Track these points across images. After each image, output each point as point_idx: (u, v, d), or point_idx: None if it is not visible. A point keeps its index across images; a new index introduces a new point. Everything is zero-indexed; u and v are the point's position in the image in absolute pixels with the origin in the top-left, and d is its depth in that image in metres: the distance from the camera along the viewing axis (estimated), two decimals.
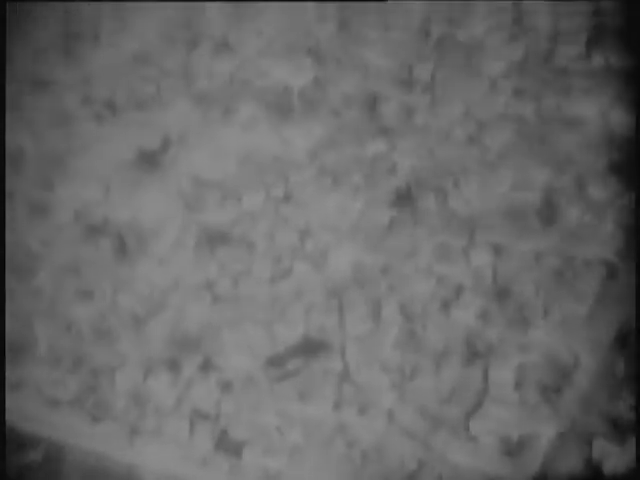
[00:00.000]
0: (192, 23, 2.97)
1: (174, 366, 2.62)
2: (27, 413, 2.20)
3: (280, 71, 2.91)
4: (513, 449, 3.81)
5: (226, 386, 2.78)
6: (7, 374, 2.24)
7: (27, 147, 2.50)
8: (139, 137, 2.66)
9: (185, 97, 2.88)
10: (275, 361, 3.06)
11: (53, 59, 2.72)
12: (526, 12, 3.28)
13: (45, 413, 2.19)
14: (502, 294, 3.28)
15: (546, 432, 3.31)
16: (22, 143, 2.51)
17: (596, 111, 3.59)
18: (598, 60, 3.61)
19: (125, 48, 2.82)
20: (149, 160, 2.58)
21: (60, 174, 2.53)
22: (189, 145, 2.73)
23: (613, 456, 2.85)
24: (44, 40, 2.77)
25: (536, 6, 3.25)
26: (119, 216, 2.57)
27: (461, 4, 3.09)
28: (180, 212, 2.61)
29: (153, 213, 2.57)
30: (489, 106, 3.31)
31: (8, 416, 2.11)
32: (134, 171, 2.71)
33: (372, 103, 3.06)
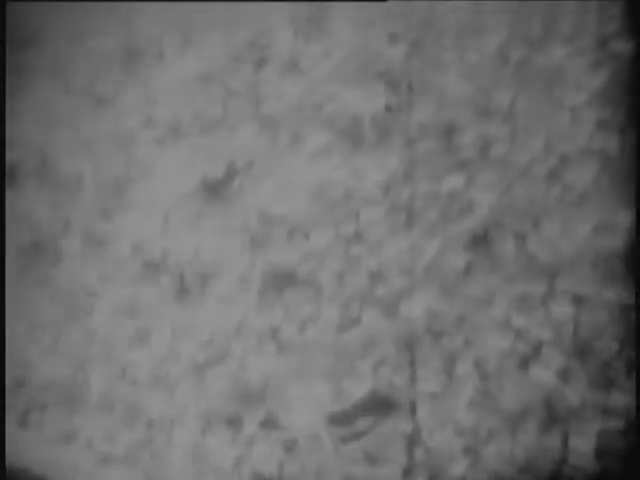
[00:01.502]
0: (259, 42, 2.91)
1: (235, 421, 2.40)
2: (78, 468, 1.96)
3: (350, 96, 2.69)
4: None
5: (289, 446, 2.55)
6: (58, 424, 2.10)
7: (85, 172, 2.39)
8: (203, 164, 2.44)
9: (252, 121, 2.57)
10: (341, 419, 2.82)
11: (114, 76, 2.46)
12: (610, 35, 3.01)
13: (96, 469, 1.96)
14: (584, 350, 3.03)
15: None
16: (80, 168, 2.38)
17: None
18: None
19: (190, 67, 2.60)
20: (213, 190, 2.35)
21: (119, 203, 2.41)
22: (255, 175, 2.51)
23: None
24: (104, 55, 2.51)
25: (621, 30, 2.97)
26: (180, 251, 2.29)
27: (541, 25, 2.94)
28: (244, 249, 2.38)
29: (216, 249, 2.35)
30: (571, 139, 3.07)
31: (58, 472, 1.88)
32: (196, 202, 2.56)
33: (448, 133, 2.83)
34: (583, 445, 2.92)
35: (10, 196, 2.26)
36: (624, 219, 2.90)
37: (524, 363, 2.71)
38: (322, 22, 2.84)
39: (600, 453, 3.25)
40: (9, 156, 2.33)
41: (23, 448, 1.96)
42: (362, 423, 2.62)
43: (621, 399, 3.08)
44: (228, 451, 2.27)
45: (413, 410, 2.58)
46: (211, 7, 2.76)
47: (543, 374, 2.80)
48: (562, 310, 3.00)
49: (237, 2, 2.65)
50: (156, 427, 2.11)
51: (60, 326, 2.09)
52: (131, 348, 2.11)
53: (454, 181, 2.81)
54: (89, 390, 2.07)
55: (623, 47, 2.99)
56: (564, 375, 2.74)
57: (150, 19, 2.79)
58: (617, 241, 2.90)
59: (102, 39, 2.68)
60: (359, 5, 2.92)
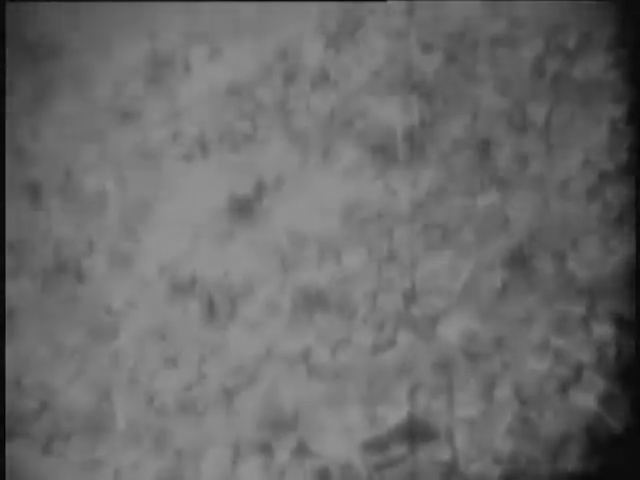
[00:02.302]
0: (289, 51, 2.81)
1: (265, 449, 2.29)
2: None
3: (383, 109, 2.59)
4: None
5: (323, 474, 2.43)
6: (83, 452, 2.04)
7: (111, 189, 2.35)
8: (231, 181, 2.34)
9: (282, 135, 2.47)
10: (376, 446, 2.71)
11: (139, 88, 2.36)
12: None
13: None
14: (626, 374, 2.90)
15: None
16: (105, 185, 2.34)
17: None
18: None
19: (218, 78, 2.50)
20: (242, 208, 2.25)
21: (145, 221, 2.38)
22: (285, 192, 2.40)
23: None
24: (129, 66, 2.40)
25: None
26: (208, 272, 2.20)
27: (578, 35, 2.86)
28: (275, 270, 2.28)
29: (245, 270, 2.25)
30: (610, 155, 2.96)
31: None
32: (225, 220, 2.30)
33: (484, 148, 2.72)
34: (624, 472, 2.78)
35: (33, 215, 2.17)
36: None
37: (564, 387, 2.62)
38: (354, 31, 2.76)
39: None
40: (32, 174, 2.25)
41: (47, 476, 1.86)
42: (397, 450, 2.55)
43: None
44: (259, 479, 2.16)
45: (450, 437, 2.49)
46: (237, 8, 2.67)
47: (584, 399, 2.69)
48: (603, 331, 2.88)
49: (266, 2, 2.55)
50: (184, 455, 2.01)
51: (84, 350, 2.04)
52: (158, 374, 2.09)
53: (490, 198, 2.72)
54: (115, 417, 2.02)
55: None
56: (605, 400, 2.65)
57: (175, 27, 2.70)
58: None
59: (126, 50, 2.60)
60: (391, 13, 2.83)
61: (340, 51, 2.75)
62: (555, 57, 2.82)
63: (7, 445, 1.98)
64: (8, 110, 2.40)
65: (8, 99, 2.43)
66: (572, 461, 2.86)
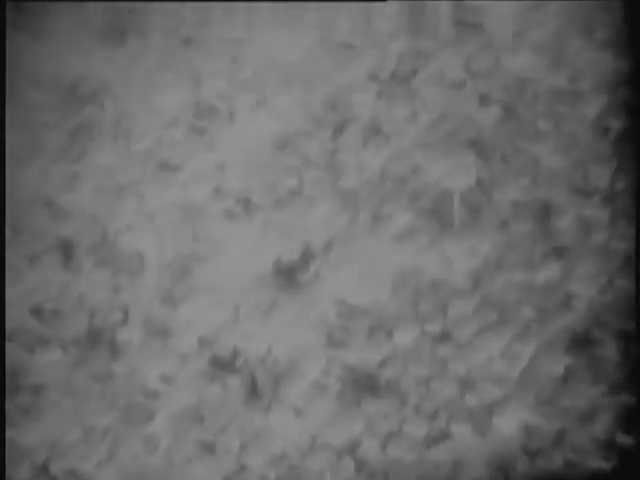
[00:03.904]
0: (338, 103, 2.66)
1: None
2: None
3: (438, 168, 2.36)
4: None
5: None
6: None
7: (148, 250, 2.20)
8: (277, 244, 2.12)
9: (330, 193, 2.26)
10: None
11: (180, 138, 2.14)
12: None
13: None
14: None
15: None
16: (143, 244, 2.18)
17: None
18: None
19: (263, 129, 2.30)
20: (287, 275, 2.02)
21: (184, 287, 2.21)
22: (333, 258, 2.18)
23: None
24: (171, 114, 2.19)
25: None
26: (251, 347, 1.97)
27: None
28: (321, 345, 2.05)
29: (290, 346, 2.01)
30: None
31: None
32: (269, 289, 2.08)
33: (544, 214, 2.48)
34: None
35: (66, 277, 1.96)
36: None
37: None
38: (407, 80, 2.57)
39: None
40: (65, 230, 2.03)
41: None
42: None
43: None
44: None
45: None
46: (285, 55, 2.49)
47: None
48: None
49: (313, 48, 2.35)
50: None
51: (117, 432, 1.91)
52: (194, 460, 1.93)
53: (550, 271, 2.53)
54: None
55: None
56: None
57: (221, 74, 2.51)
58: None
59: (168, 96, 2.41)
60: (446, 61, 2.65)
61: (393, 102, 2.59)
62: (619, 114, 2.65)
63: None
64: (41, 152, 2.22)
65: (46, 138, 2.24)
66: None
